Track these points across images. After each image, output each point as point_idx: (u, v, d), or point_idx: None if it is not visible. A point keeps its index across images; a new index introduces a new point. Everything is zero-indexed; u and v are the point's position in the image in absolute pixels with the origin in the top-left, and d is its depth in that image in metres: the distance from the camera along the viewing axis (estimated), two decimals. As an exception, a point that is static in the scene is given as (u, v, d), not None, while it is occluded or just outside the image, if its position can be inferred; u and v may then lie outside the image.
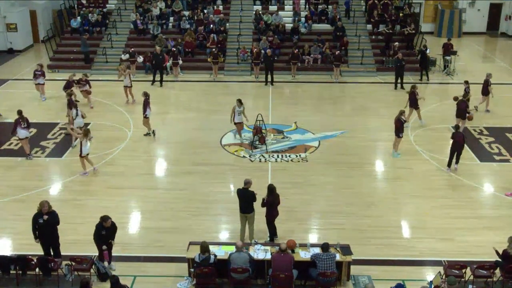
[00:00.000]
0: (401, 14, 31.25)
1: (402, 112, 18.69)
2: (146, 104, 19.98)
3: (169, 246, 13.20)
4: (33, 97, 24.70)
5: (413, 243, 14.11)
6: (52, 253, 12.90)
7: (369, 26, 31.41)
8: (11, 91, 26.23)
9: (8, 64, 30.70)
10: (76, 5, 32.93)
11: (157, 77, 26.64)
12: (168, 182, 17.55)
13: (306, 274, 12.17)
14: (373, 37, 30.92)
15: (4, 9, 32.56)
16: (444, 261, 13.13)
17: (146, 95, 20.22)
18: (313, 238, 14.30)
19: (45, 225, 12.57)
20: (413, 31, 30.06)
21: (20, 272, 12.42)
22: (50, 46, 30.03)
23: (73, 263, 12.43)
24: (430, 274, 12.77)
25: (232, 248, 12.17)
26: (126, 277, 12.00)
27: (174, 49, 28.14)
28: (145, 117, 20.07)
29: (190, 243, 12.70)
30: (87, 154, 17.51)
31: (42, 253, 12.87)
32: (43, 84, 24.07)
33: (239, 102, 19.76)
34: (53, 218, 12.60)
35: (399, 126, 18.52)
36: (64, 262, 12.61)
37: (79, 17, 31.41)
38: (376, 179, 17.77)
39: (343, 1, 32.65)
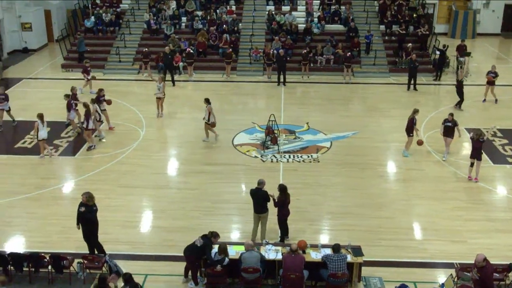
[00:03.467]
0: (414, 15, 31.10)
1: (415, 111, 18.67)
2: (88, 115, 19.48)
3: (180, 245, 13.20)
4: (47, 96, 24.91)
5: (425, 245, 14.04)
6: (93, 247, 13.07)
7: (382, 27, 31.29)
8: (25, 90, 26.46)
9: (23, 63, 30.97)
10: (90, 5, 33.13)
11: (168, 77, 26.71)
12: (180, 182, 17.61)
13: (317, 275, 12.16)
14: (386, 37, 30.80)
15: (19, 8, 32.86)
16: (456, 263, 13.06)
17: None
18: (324, 238, 14.29)
19: (81, 216, 12.74)
20: (427, 32, 29.90)
21: (33, 269, 12.52)
22: (64, 45, 30.24)
23: (85, 261, 12.51)
24: (442, 276, 12.71)
25: (243, 248, 12.19)
26: (137, 275, 12.04)
27: (189, 49, 28.26)
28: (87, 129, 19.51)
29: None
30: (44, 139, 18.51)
31: (53, 251, 13.00)
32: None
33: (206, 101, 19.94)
34: (88, 212, 12.69)
35: (411, 126, 18.49)
36: (76, 260, 12.71)
37: (93, 17, 31.60)
38: (387, 180, 17.70)
39: (360, 7, 32.56)
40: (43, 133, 18.60)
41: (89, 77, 25.36)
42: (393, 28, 30.77)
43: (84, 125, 19.35)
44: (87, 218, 12.73)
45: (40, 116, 18.56)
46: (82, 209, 12.75)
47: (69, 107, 20.37)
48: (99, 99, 20.71)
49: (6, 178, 17.52)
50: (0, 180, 17.41)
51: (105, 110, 20.88)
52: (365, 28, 30.65)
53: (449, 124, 18.24)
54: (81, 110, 20.35)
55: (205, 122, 19.91)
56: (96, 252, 13.06)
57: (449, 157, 18.65)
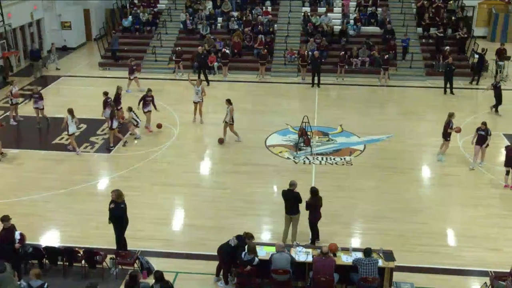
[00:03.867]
0: (453, 18, 30.59)
1: (451, 115, 18.39)
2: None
3: (212, 244, 13.30)
4: (84, 94, 25.36)
5: (459, 252, 13.80)
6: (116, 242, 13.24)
7: (420, 30, 30.87)
8: (63, 87, 27.01)
9: (62, 61, 31.55)
10: (128, 5, 33.63)
11: (202, 77, 26.89)
12: (212, 181, 17.71)
13: (347, 279, 12.07)
14: (424, 40, 30.38)
15: (59, 8, 33.59)
16: (490, 271, 12.77)
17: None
18: (355, 242, 14.16)
19: (111, 212, 12.94)
20: (465, 35, 29.38)
21: (67, 263, 12.77)
22: (102, 44, 30.76)
23: (118, 257, 12.69)
24: (476, 284, 12.49)
25: (274, 249, 12.18)
26: (168, 273, 12.16)
27: (224, 49, 28.42)
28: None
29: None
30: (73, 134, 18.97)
31: (87, 246, 13.25)
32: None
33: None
34: (116, 210, 12.85)
35: (447, 130, 18.27)
36: (109, 256, 12.90)
37: (130, 17, 32.07)
38: (422, 185, 17.46)
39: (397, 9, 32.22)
40: (72, 128, 18.96)
41: (131, 77, 25.66)
42: (430, 31, 30.33)
43: (108, 125, 19.72)
44: (115, 215, 12.90)
45: (70, 111, 18.93)
46: (112, 205, 12.95)
47: (105, 105, 20.64)
48: (146, 99, 20.88)
49: (43, 174, 17.90)
50: (38, 175, 17.80)
51: (150, 111, 21.05)
52: (402, 30, 30.32)
53: (482, 133, 17.85)
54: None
55: (226, 123, 19.92)
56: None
57: (487, 163, 18.27)
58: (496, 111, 22.90)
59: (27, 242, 12.77)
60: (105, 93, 20.69)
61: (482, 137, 17.87)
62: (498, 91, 22.88)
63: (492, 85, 23.28)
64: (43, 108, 21.56)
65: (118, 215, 12.91)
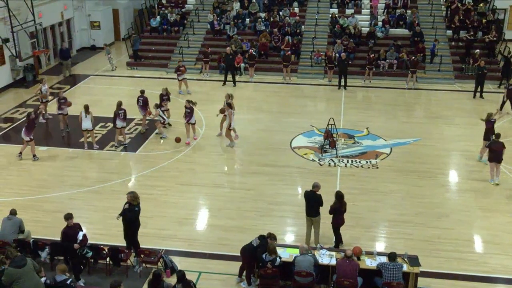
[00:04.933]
0: (484, 21, 30.09)
1: (490, 115, 18.40)
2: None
3: (235, 244, 13.31)
4: (112, 93, 25.64)
5: (485, 258, 13.55)
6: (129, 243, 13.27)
7: (449, 32, 30.45)
8: (91, 86, 27.37)
9: (90, 60, 32.03)
10: (156, 5, 33.92)
11: (230, 78, 26.98)
12: (236, 182, 17.73)
13: (371, 283, 11.95)
14: (453, 43, 29.96)
15: (89, 7, 34.07)
16: (518, 279, 12.55)
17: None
18: (379, 246, 14.01)
19: (123, 213, 12.97)
20: (494, 38, 28.86)
21: (92, 260, 12.91)
22: (130, 44, 31.06)
23: (142, 255, 12.78)
24: (502, 292, 12.25)
25: (297, 251, 12.13)
26: (191, 272, 12.20)
27: (251, 50, 28.45)
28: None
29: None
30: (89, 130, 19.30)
31: (112, 243, 13.35)
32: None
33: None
34: (129, 211, 12.82)
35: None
36: (133, 254, 13.00)
37: (158, 17, 32.32)
38: (448, 189, 17.19)
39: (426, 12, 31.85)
40: (86, 123, 19.15)
41: (179, 78, 25.61)
42: (460, 33, 29.89)
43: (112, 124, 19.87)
44: (128, 217, 12.85)
45: (85, 107, 19.19)
46: (126, 206, 12.94)
47: (161, 101, 20.77)
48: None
49: (70, 171, 18.15)
50: (64, 172, 18.06)
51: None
52: (431, 33, 29.94)
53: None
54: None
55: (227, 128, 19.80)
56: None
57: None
58: None
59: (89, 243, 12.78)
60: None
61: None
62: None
63: (505, 87, 23.02)
64: (67, 114, 21.04)
65: (131, 218, 12.85)
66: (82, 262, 12.57)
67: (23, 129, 18.58)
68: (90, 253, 12.57)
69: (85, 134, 19.48)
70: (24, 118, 19.09)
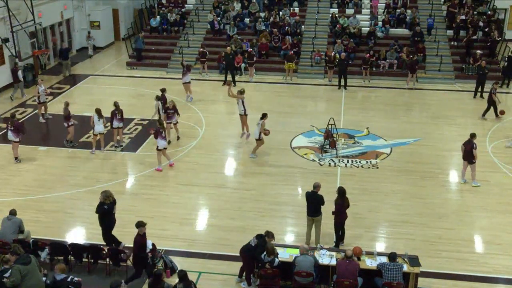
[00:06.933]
0: (484, 20, 30.04)
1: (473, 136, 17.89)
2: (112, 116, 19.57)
3: (235, 245, 13.29)
4: (112, 93, 25.61)
5: (486, 259, 13.53)
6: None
7: (450, 32, 30.43)
8: (91, 86, 27.33)
9: (90, 60, 32.00)
10: (156, 5, 33.89)
11: (229, 77, 26.95)
12: (237, 182, 17.71)
13: (371, 283, 11.93)
14: (453, 43, 29.94)
15: (89, 7, 34.02)
16: (518, 280, 12.53)
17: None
18: (380, 246, 14.00)
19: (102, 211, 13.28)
20: (495, 38, 28.82)
21: (92, 260, 12.90)
22: (130, 44, 31.03)
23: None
24: (503, 292, 12.23)
25: (297, 252, 12.12)
26: (192, 272, 12.17)
27: (251, 50, 28.43)
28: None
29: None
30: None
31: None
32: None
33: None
34: (99, 208, 13.22)
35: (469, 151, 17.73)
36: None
37: (158, 17, 32.29)
38: (449, 190, 17.17)
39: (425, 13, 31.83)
40: (98, 127, 19.11)
41: (187, 80, 24.75)
42: (460, 33, 29.86)
43: (108, 124, 19.74)
44: (97, 213, 13.18)
45: (97, 111, 19.10)
46: (106, 207, 13.10)
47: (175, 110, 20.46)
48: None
49: (70, 171, 18.13)
50: (65, 172, 18.04)
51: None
52: (431, 33, 29.92)
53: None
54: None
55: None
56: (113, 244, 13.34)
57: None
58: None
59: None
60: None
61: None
62: None
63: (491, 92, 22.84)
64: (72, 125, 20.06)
65: (100, 213, 13.16)
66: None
67: (10, 133, 18.36)
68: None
69: (95, 137, 19.38)
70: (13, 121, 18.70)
